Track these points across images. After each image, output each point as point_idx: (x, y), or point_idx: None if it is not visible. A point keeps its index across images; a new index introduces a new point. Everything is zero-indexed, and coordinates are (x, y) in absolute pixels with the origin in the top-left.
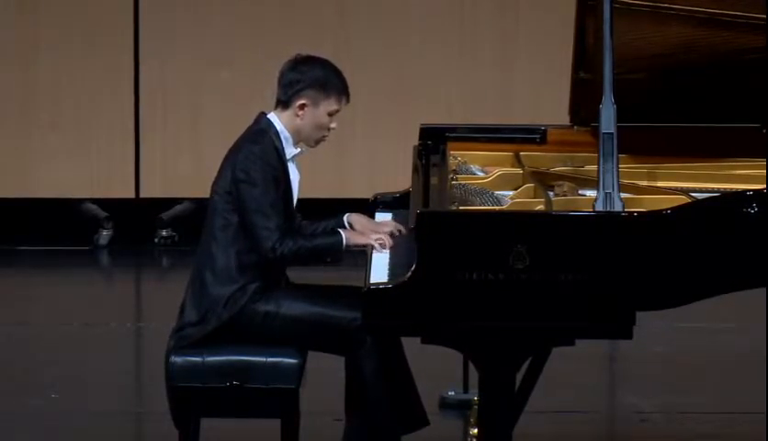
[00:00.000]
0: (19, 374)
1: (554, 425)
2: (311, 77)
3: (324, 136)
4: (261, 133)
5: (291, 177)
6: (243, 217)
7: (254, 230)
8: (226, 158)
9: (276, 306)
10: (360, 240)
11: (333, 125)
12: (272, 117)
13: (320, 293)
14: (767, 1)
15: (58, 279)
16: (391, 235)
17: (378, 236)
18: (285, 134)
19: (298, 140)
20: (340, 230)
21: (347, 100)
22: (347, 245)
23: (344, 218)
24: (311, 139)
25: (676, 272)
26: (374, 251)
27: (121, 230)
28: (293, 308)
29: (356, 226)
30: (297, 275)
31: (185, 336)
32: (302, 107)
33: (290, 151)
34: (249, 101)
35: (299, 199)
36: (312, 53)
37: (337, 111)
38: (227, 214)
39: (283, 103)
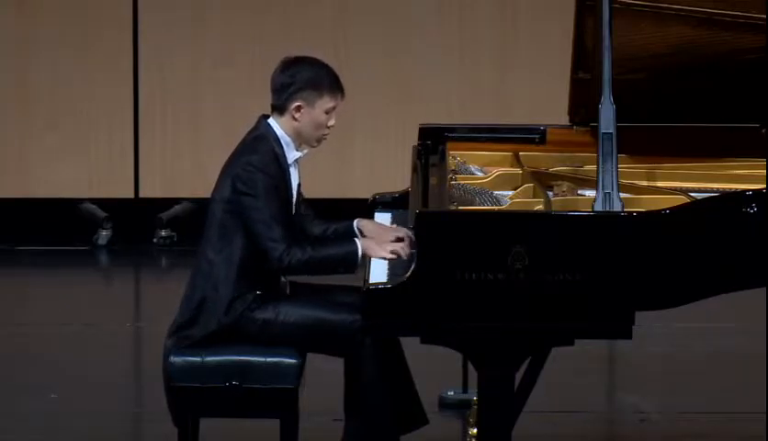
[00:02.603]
0: (19, 374)
1: (554, 425)
2: (303, 79)
3: (325, 134)
4: (260, 140)
5: (292, 182)
6: (248, 229)
7: (259, 241)
8: (226, 166)
9: (275, 313)
10: (378, 253)
11: (331, 122)
12: (272, 122)
13: (318, 297)
14: (767, 1)
15: (57, 279)
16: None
17: (393, 249)
18: (285, 139)
19: (299, 142)
20: (356, 239)
21: (342, 96)
22: (363, 256)
23: (354, 224)
24: (312, 139)
25: (676, 272)
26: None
27: (120, 230)
28: (291, 314)
29: (366, 233)
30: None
31: (183, 338)
32: (298, 109)
33: (292, 155)
34: (249, 101)
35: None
36: (312, 54)
37: (334, 108)
38: (226, 222)
39: (278, 108)
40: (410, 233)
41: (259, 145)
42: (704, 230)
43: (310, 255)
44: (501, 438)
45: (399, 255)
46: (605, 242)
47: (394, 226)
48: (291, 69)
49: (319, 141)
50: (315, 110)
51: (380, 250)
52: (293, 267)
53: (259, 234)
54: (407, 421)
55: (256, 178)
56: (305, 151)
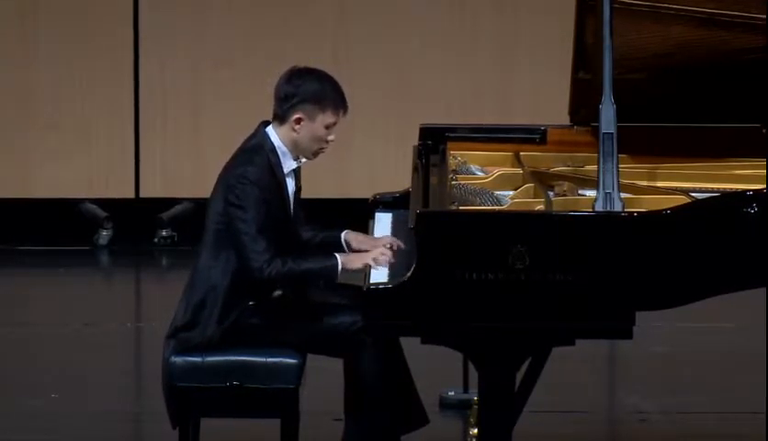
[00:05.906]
0: (19, 374)
1: (554, 425)
2: (306, 91)
3: (323, 148)
4: (256, 150)
5: (287, 192)
6: (235, 239)
7: (243, 252)
8: (222, 173)
9: (274, 317)
10: (357, 264)
11: (330, 137)
12: (270, 130)
13: (317, 298)
14: (767, 1)
15: (58, 279)
16: (390, 248)
17: (374, 255)
18: (282, 149)
19: (296, 153)
20: (336, 254)
21: (345, 112)
22: (342, 271)
23: (342, 235)
24: (309, 151)
25: (676, 272)
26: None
27: (121, 230)
28: (290, 317)
29: (353, 244)
30: None
31: (182, 341)
32: (298, 121)
33: (289, 164)
34: (249, 101)
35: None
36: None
37: (335, 124)
38: (222, 232)
39: (279, 117)
40: (398, 241)
41: (255, 156)
42: (704, 230)
43: (289, 268)
44: (501, 438)
45: (380, 263)
46: (606, 242)
47: (380, 237)
48: (296, 80)
49: (315, 154)
50: (315, 124)
51: (359, 261)
52: (273, 279)
53: (244, 246)
54: (407, 421)
55: (248, 191)
56: (302, 161)
